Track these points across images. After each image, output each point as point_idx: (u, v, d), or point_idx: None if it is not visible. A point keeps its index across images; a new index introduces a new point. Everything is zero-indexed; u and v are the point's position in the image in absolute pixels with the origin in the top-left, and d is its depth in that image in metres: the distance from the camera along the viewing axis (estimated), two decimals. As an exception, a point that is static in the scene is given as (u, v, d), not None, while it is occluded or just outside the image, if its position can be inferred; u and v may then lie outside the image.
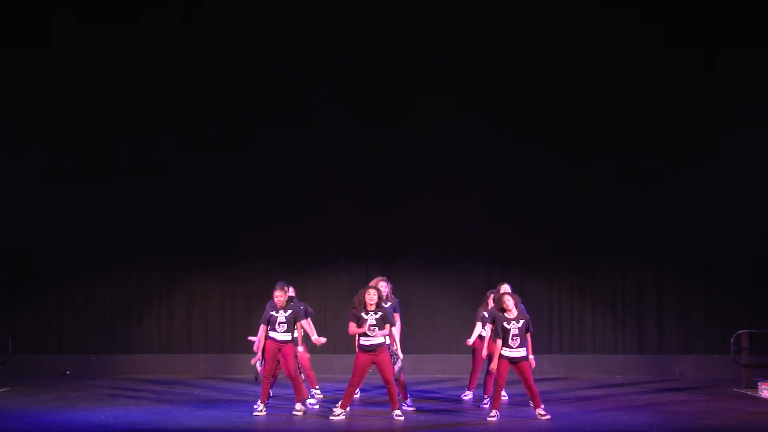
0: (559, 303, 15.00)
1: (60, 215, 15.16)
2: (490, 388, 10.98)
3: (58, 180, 15.17)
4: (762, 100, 14.84)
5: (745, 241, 14.88)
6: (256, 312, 15.13)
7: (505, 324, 10.29)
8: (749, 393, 12.65)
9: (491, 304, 11.28)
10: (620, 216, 15.06)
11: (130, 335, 15.19)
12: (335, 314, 15.12)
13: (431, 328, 15.00)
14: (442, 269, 14.55)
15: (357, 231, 15.25)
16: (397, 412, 10.32)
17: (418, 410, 10.98)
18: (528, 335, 10.38)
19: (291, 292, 11.23)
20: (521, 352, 10.28)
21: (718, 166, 15.00)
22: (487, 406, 11.06)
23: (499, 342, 10.28)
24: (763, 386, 12.27)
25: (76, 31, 15.07)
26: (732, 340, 13.47)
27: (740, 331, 13.48)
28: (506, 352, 10.27)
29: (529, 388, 10.32)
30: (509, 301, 10.37)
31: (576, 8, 15.01)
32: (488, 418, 10.24)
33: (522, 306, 10.56)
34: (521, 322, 10.31)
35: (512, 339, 10.25)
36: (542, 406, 10.36)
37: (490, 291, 11.69)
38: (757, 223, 14.87)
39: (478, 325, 11.66)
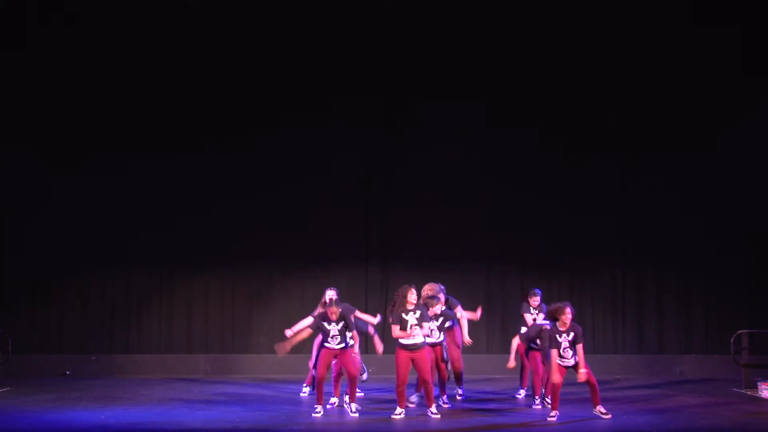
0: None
1: (59, 215, 15.15)
2: (539, 388, 11.11)
3: (56, 179, 15.16)
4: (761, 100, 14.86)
5: (745, 241, 14.87)
6: (256, 312, 15.22)
7: (557, 337, 10.29)
8: (749, 393, 12.64)
9: (533, 304, 11.46)
10: (621, 215, 15.05)
11: (129, 335, 15.19)
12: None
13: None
14: (442, 269, 14.50)
15: (357, 231, 15.25)
16: (432, 409, 10.39)
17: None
18: (579, 346, 10.31)
19: (334, 294, 11.49)
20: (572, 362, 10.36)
21: (718, 165, 15.00)
22: (539, 406, 11.04)
23: (555, 351, 10.26)
24: (763, 386, 12.27)
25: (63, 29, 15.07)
26: (732, 340, 13.47)
27: (740, 331, 13.48)
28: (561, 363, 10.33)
29: (592, 387, 10.35)
30: (568, 317, 10.28)
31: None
32: (548, 418, 10.26)
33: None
34: (571, 334, 10.31)
35: (564, 351, 10.30)
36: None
37: (531, 292, 11.72)
38: (758, 223, 14.86)
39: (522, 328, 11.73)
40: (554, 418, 10.21)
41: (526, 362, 11.60)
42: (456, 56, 15.21)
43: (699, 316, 14.96)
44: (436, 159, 15.18)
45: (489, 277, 14.91)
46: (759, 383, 12.40)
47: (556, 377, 10.20)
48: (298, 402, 11.86)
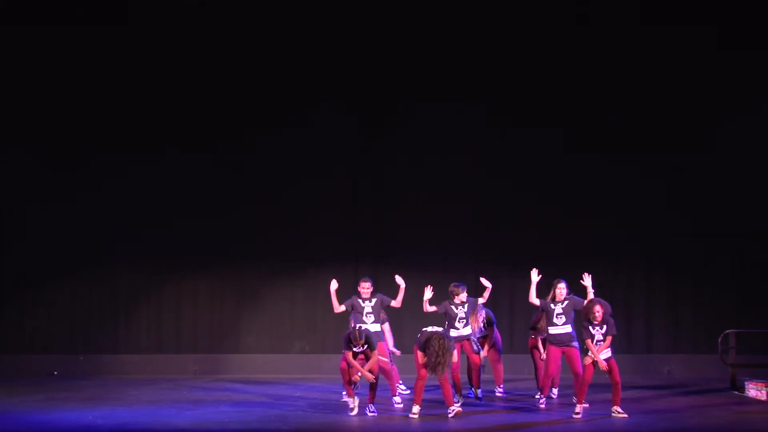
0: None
1: (48, 214, 15.11)
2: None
3: (46, 179, 15.12)
4: (747, 101, 14.92)
5: (733, 241, 14.93)
6: (245, 312, 15.20)
7: (590, 329, 10.48)
8: (736, 392, 12.70)
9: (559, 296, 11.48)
10: (609, 215, 15.08)
11: (118, 335, 15.14)
12: (324, 314, 15.10)
13: (421, 327, 14.92)
14: (432, 268, 14.54)
15: (347, 231, 15.25)
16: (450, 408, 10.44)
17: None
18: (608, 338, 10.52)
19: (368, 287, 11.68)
20: (606, 354, 10.51)
21: (706, 166, 15.05)
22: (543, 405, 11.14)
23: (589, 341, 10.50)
24: (750, 386, 12.33)
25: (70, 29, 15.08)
26: (719, 340, 13.52)
27: (727, 331, 13.53)
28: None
29: (615, 384, 10.50)
30: (599, 312, 10.48)
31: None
32: (573, 415, 10.41)
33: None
34: (604, 327, 10.50)
35: (597, 343, 10.49)
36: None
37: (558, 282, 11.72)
38: (745, 224, 14.93)
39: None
40: (579, 415, 10.42)
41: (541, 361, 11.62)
42: (444, 54, 15.22)
43: (687, 316, 15.01)
44: (425, 159, 15.20)
45: (478, 275, 14.88)
46: (746, 383, 12.45)
47: (604, 364, 10.39)
48: (287, 402, 11.83)
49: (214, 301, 15.23)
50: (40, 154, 15.13)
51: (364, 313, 11.44)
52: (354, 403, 10.60)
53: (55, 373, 14.74)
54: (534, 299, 11.46)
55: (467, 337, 11.49)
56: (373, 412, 10.53)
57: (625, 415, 10.39)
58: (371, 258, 15.15)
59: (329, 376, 14.51)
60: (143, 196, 15.15)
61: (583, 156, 15.14)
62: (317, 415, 10.69)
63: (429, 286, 11.50)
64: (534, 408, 11.16)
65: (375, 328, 11.31)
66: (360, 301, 11.51)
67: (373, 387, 10.59)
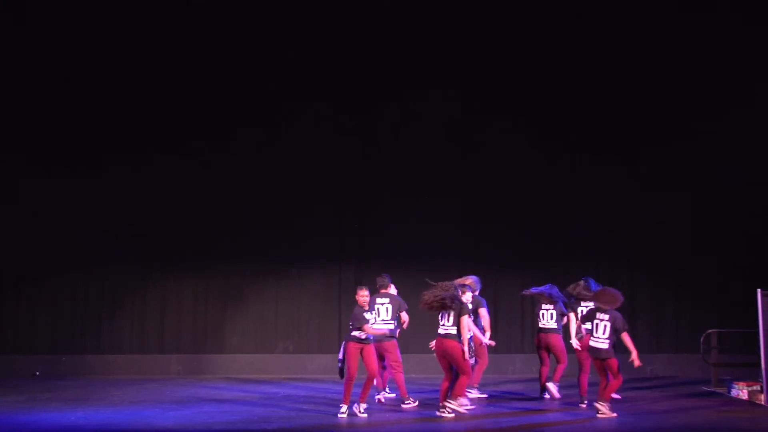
0: (532, 302, 15.04)
1: (31, 214, 15.01)
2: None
3: (29, 180, 15.01)
4: (725, 103, 15.04)
5: (715, 242, 15.02)
6: (230, 312, 15.16)
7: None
8: (718, 391, 12.80)
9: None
10: (593, 215, 15.14)
11: (101, 336, 15.07)
12: (309, 313, 15.11)
13: (416, 325, 14.96)
14: (417, 267, 14.54)
15: (332, 231, 15.24)
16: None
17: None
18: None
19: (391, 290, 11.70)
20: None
21: (689, 167, 15.13)
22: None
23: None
24: (733, 385, 12.41)
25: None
26: (702, 340, 13.61)
27: (709, 331, 13.62)
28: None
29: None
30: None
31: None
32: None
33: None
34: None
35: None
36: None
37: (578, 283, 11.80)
38: (727, 225, 15.02)
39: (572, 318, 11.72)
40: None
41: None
42: (428, 50, 15.23)
43: (670, 316, 15.11)
44: (409, 159, 15.22)
45: (464, 274, 14.93)
46: (731, 383, 12.53)
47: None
48: (271, 402, 11.82)
49: (198, 302, 15.19)
50: (22, 154, 15.02)
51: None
52: (345, 409, 10.55)
53: (37, 373, 14.65)
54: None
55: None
56: (363, 412, 10.54)
57: (613, 415, 10.42)
58: (356, 258, 15.14)
59: (313, 376, 14.53)
60: (126, 197, 15.09)
61: (567, 154, 15.21)
62: (301, 415, 10.68)
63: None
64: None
65: (389, 326, 11.36)
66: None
67: (368, 384, 10.60)
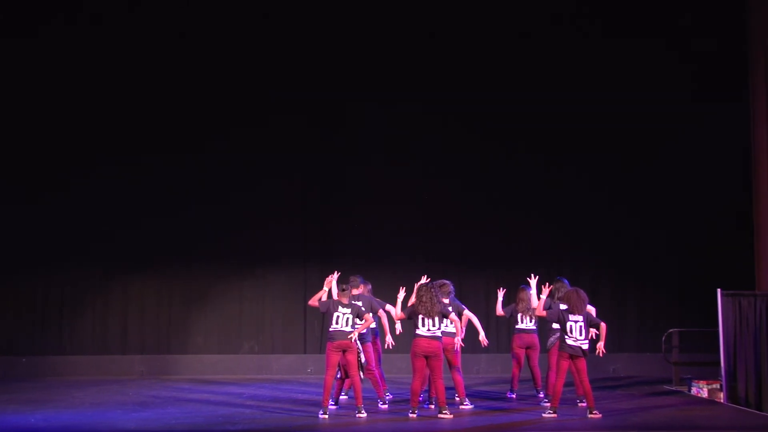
0: (495, 303, 15.13)
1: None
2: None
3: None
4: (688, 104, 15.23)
5: (677, 242, 15.20)
6: (194, 313, 15.07)
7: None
8: (679, 390, 12.97)
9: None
10: (554, 216, 15.25)
11: (62, 336, 14.90)
12: (273, 314, 15.06)
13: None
14: (381, 268, 14.57)
15: (296, 231, 15.21)
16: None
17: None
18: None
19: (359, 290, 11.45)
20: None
21: (650, 168, 15.30)
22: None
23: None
24: (694, 383, 12.59)
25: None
26: (663, 339, 13.77)
27: (671, 330, 13.79)
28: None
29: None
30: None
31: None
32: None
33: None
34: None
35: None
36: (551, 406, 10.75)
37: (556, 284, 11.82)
38: (689, 224, 15.20)
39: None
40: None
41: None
42: (397, 59, 15.29)
43: (632, 316, 15.26)
44: (373, 161, 15.25)
45: (428, 275, 14.98)
46: (692, 382, 12.69)
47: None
48: (235, 402, 11.76)
49: (161, 302, 15.08)
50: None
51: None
52: (326, 413, 10.48)
53: (-4, 375, 14.46)
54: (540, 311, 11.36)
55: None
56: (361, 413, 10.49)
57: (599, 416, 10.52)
58: (320, 258, 15.10)
59: (278, 377, 14.49)
60: (89, 198, 14.94)
61: (527, 157, 15.31)
62: (266, 416, 10.64)
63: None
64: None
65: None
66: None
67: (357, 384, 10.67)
